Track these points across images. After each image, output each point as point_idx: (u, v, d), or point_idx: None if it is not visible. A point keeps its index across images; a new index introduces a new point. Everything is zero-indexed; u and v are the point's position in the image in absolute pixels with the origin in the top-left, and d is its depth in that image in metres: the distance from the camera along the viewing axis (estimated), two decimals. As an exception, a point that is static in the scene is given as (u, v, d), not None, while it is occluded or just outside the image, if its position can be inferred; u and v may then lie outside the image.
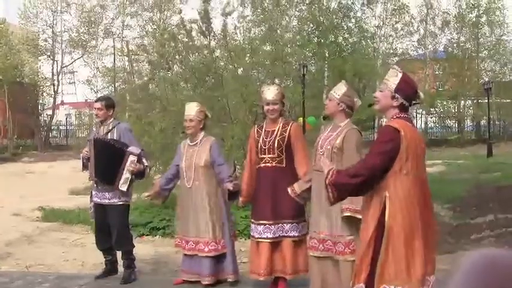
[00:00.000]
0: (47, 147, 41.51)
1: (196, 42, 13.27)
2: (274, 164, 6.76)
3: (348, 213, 5.52)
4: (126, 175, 7.41)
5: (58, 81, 46.59)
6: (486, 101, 34.52)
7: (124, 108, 15.14)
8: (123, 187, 7.44)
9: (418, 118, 41.94)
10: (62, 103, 52.32)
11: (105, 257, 7.88)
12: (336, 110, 5.98)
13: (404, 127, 4.48)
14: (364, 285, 4.42)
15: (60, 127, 48.80)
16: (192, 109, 7.41)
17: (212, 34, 13.04)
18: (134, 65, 36.00)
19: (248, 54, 13.78)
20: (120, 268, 7.82)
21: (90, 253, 9.44)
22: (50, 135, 46.65)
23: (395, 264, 4.36)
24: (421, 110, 40.93)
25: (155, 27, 35.50)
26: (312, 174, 6.07)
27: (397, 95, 4.59)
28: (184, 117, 7.42)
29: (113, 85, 39.97)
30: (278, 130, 6.80)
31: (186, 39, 13.18)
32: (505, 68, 41.42)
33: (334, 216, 5.72)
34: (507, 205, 12.50)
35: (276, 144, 6.74)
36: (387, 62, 39.69)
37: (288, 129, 6.78)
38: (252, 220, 6.91)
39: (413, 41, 40.46)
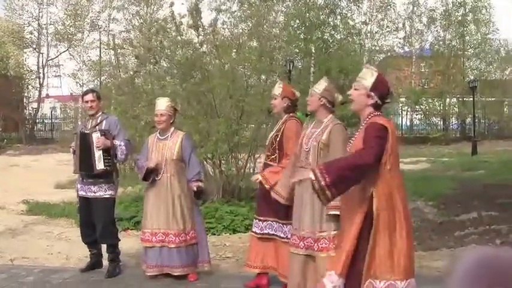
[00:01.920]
0: (32, 141, 41.26)
1: (184, 37, 13.23)
2: (268, 162, 6.80)
3: (333, 212, 5.50)
4: (96, 153, 7.45)
5: (43, 74, 46.34)
6: (471, 99, 34.72)
7: (110, 101, 15.10)
8: (100, 165, 7.46)
9: (403, 115, 42.11)
10: (47, 96, 51.98)
11: (90, 251, 7.90)
12: (317, 106, 5.97)
13: (389, 124, 4.58)
14: (343, 277, 4.46)
15: (45, 120, 48.55)
16: (162, 104, 7.50)
17: (201, 29, 13.01)
18: (120, 59, 35.90)
19: (234, 50, 13.77)
20: (105, 262, 7.83)
21: (75, 247, 9.43)
22: (35, 129, 46.40)
23: (381, 259, 4.41)
24: (406, 107, 41.08)
25: (142, 21, 35.39)
26: (296, 171, 6.04)
27: (372, 94, 4.67)
28: (155, 112, 7.51)
29: (98, 79, 39.79)
30: (277, 127, 6.85)
31: (174, 33, 13.16)
32: (491, 66, 41.61)
33: (316, 213, 5.71)
34: (491, 203, 12.60)
35: (270, 142, 6.79)
36: (373, 58, 39.82)
37: (283, 126, 6.75)
38: (271, 219, 6.76)
39: (400, 38, 40.60)
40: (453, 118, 41.60)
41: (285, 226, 6.55)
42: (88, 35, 44.51)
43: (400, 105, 39.47)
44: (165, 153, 7.28)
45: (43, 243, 10.09)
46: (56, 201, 14.34)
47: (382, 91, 4.72)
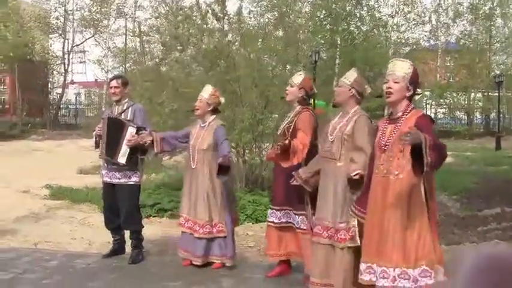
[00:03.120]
0: (56, 126, 41.62)
1: (210, 25, 13.25)
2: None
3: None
4: (124, 147, 7.42)
5: (69, 60, 46.61)
6: (496, 94, 34.44)
7: (135, 88, 15.15)
8: (122, 159, 7.44)
9: (427, 109, 41.86)
10: (72, 82, 52.30)
11: (113, 237, 7.90)
12: (346, 97, 5.94)
13: None
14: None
15: (70, 106, 48.90)
16: (206, 91, 7.45)
17: (226, 17, 13.02)
18: (146, 46, 35.97)
19: (260, 39, 13.76)
20: (128, 248, 7.83)
21: (98, 232, 9.47)
22: (59, 114, 46.73)
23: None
24: (430, 100, 40.80)
25: (168, 8, 35.43)
26: (320, 161, 6.06)
27: (410, 87, 4.83)
28: (198, 97, 7.47)
29: (123, 65, 39.94)
30: (289, 118, 6.82)
31: (200, 22, 13.17)
32: (517, 61, 41.24)
33: (338, 203, 5.71)
34: (514, 199, 12.52)
35: (282, 133, 6.75)
36: (398, 51, 39.57)
37: (297, 118, 6.70)
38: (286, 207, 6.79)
39: (425, 32, 40.32)
40: (477, 113, 41.31)
41: (297, 216, 6.60)
42: (114, 22, 44.75)
43: (425, 98, 39.20)
44: (198, 142, 7.28)
45: (66, 228, 10.14)
46: (79, 187, 14.39)
47: (417, 84, 4.91)
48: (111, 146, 7.53)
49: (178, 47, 13.60)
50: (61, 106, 47.14)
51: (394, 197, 4.68)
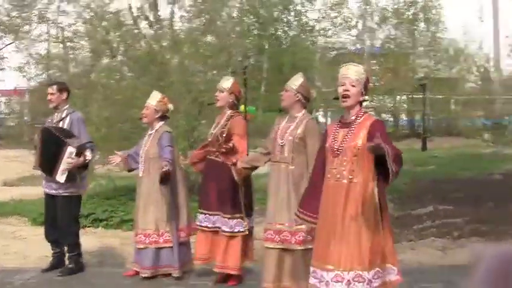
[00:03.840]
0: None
1: (142, 30, 13.13)
2: (213, 157, 6.78)
3: None
4: (63, 167, 7.21)
5: (-12, 67, 45.19)
6: (420, 96, 35.16)
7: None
8: (61, 179, 7.24)
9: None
10: (-12, 90, 50.60)
11: (52, 249, 7.67)
12: (292, 101, 6.05)
13: None
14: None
15: (-11, 116, 47.44)
16: (153, 98, 7.36)
17: (159, 23, 12.92)
18: (70, 52, 35.30)
19: (187, 45, 13.70)
20: (68, 261, 7.60)
21: (32, 246, 9.24)
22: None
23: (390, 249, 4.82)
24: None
25: (92, 14, 34.87)
26: (271, 166, 6.11)
27: (363, 92, 4.87)
28: (145, 105, 7.35)
29: (46, 73, 39.08)
30: (221, 123, 6.81)
31: (132, 27, 13.03)
32: (440, 64, 42.19)
33: (293, 206, 5.71)
34: (444, 197, 12.86)
35: (215, 138, 6.77)
36: (326, 55, 40.03)
37: (229, 122, 6.76)
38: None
39: (352, 36, 40.83)
40: (403, 115, 42.09)
41: (231, 220, 6.63)
42: (36, 27, 43.57)
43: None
44: (145, 151, 7.16)
45: (-3, 243, 9.79)
46: (5, 199, 13.93)
47: (367, 90, 4.93)
48: (47, 161, 7.34)
49: (109, 53, 13.42)
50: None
51: (348, 201, 4.68)
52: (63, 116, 7.48)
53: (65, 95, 7.60)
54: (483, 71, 27.11)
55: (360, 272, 4.58)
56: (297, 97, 6.05)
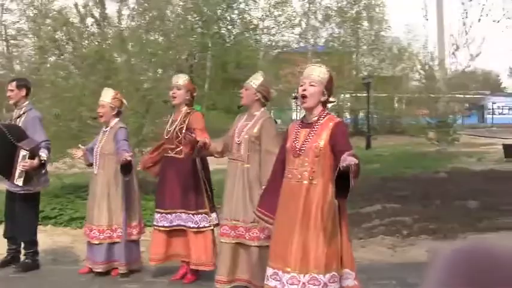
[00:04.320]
0: None
1: (89, 29, 13.02)
2: (172, 154, 6.78)
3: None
4: (18, 170, 7.16)
5: None
6: (364, 95, 35.57)
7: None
8: (19, 182, 7.20)
9: (297, 110, 42.70)
10: None
11: (8, 246, 7.61)
12: (252, 100, 6.08)
13: None
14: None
15: None
16: (107, 95, 7.31)
17: (106, 21, 12.81)
18: (14, 50, 34.62)
19: (132, 43, 13.64)
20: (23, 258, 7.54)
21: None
22: None
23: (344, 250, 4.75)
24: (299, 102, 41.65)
25: (36, 11, 34.32)
26: (228, 164, 6.18)
27: (325, 92, 4.79)
28: (99, 103, 7.31)
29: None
30: (179, 120, 6.81)
31: (79, 25, 12.91)
32: (383, 63, 42.79)
33: (249, 204, 5.83)
34: (391, 195, 13.02)
35: (174, 135, 6.75)
36: (269, 53, 40.23)
37: (188, 119, 6.78)
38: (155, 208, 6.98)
39: (296, 34, 41.09)
40: (347, 113, 42.52)
41: (195, 216, 6.66)
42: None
43: (294, 100, 39.96)
44: (100, 147, 7.15)
45: None
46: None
47: (331, 90, 4.89)
48: (4, 164, 7.25)
49: (56, 51, 13.27)
50: None
51: (307, 202, 4.65)
52: (21, 113, 7.44)
53: (23, 92, 7.55)
54: (428, 69, 27.45)
55: (316, 275, 4.56)
56: (257, 96, 6.08)
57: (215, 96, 34.14)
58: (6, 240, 7.66)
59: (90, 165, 7.53)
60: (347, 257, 4.72)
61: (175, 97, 6.84)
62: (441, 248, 1.53)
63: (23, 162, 7.12)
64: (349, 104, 40.93)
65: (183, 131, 6.66)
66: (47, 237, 9.87)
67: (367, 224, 10.57)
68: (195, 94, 7.12)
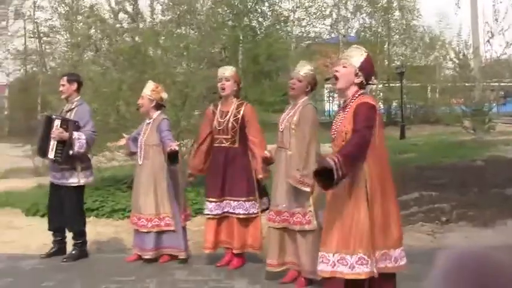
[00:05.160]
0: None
1: (123, 24, 13.24)
2: (227, 145, 6.92)
3: (306, 189, 5.80)
4: (51, 142, 7.37)
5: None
6: (397, 84, 35.33)
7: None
8: (51, 154, 7.39)
9: (330, 101, 42.68)
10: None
11: (54, 237, 7.78)
12: (303, 90, 6.20)
13: (375, 102, 4.77)
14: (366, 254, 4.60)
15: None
16: (147, 88, 7.53)
17: (140, 16, 13.03)
18: (47, 47, 35.05)
19: (163, 37, 13.81)
20: (69, 249, 7.72)
21: (29, 235, 9.42)
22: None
23: (379, 230, 4.63)
24: (332, 93, 41.58)
25: (67, 8, 34.65)
26: (274, 151, 6.33)
27: (359, 73, 4.79)
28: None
29: (24, 68, 38.89)
30: (232, 111, 6.95)
31: (113, 21, 13.14)
32: (416, 52, 42.45)
33: (291, 190, 5.96)
34: (428, 184, 12.98)
35: (230, 125, 6.89)
36: (300, 45, 40.17)
37: (242, 109, 6.94)
38: (208, 198, 7.09)
39: (327, 25, 40.97)
40: (380, 103, 42.31)
41: (246, 203, 6.84)
42: (12, 23, 43.28)
43: (327, 91, 39.95)
44: (144, 139, 7.33)
45: (-6, 233, 9.84)
46: (-4, 191, 14.04)
47: (368, 71, 4.86)
48: (43, 142, 7.49)
49: (93, 48, 13.52)
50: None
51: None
52: (72, 107, 7.61)
53: (74, 86, 7.69)
54: (462, 57, 27.12)
55: (344, 255, 4.62)
56: (307, 88, 6.22)
57: (247, 89, 34.26)
58: (51, 231, 7.83)
59: (131, 154, 7.80)
60: (394, 236, 4.71)
61: (224, 88, 6.95)
62: (449, 251, 1.58)
63: (54, 130, 7.34)
64: (381, 94, 40.67)
65: (239, 121, 6.86)
66: (90, 228, 10.05)
67: (405, 211, 10.56)
68: (241, 85, 7.27)
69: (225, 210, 6.91)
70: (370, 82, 4.97)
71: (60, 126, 7.34)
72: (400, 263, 4.74)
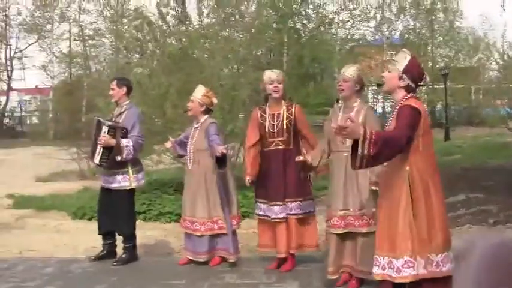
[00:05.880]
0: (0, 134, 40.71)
1: (171, 28, 13.33)
2: (283, 147, 6.98)
3: (374, 187, 5.76)
4: (98, 146, 7.46)
5: (12, 66, 45.71)
6: (440, 86, 35.02)
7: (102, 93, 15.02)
8: (96, 159, 7.51)
9: (375, 103, 42.39)
10: (11, 89, 51.10)
11: (103, 241, 7.88)
12: (352, 91, 6.23)
13: (420, 105, 4.76)
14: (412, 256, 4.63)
15: (14, 113, 48.00)
16: (198, 92, 7.56)
17: (188, 19, 13.11)
18: (92, 50, 35.45)
19: (208, 41, 13.86)
20: (122, 252, 7.82)
21: (77, 238, 9.49)
22: (3, 122, 45.79)
23: (420, 235, 4.64)
24: (378, 95, 41.34)
25: (112, 11, 35.08)
26: (333, 156, 6.31)
27: (404, 76, 4.84)
28: (190, 98, 7.57)
29: (69, 70, 39.36)
30: (283, 113, 6.99)
31: (161, 24, 13.24)
32: (460, 54, 42.10)
33: (355, 192, 6.03)
34: (474, 185, 12.90)
35: (284, 127, 6.96)
36: (345, 47, 40.00)
37: (293, 111, 7.00)
38: (262, 200, 7.14)
39: (371, 27, 40.80)
40: (424, 105, 41.92)
41: (303, 202, 6.97)
42: (58, 27, 43.93)
43: (372, 93, 39.72)
44: (194, 143, 7.39)
45: (43, 236, 9.95)
46: (41, 194, 14.22)
47: (414, 74, 4.87)
48: (93, 146, 7.63)
49: (139, 50, 13.64)
50: (6, 114, 46.16)
51: (382, 186, 4.88)
52: (122, 110, 7.69)
53: (124, 90, 7.78)
54: (506, 59, 26.86)
55: (391, 258, 4.70)
56: (356, 87, 6.24)
57: (292, 92, 34.18)
58: (100, 235, 7.92)
59: (179, 156, 7.91)
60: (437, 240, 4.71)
61: (277, 91, 7.00)
62: (478, 241, 1.59)
63: (102, 136, 7.42)
64: (426, 95, 40.31)
65: (292, 123, 6.95)
66: (138, 231, 10.15)
67: (452, 214, 10.51)
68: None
69: (281, 215, 6.95)
70: (420, 84, 4.99)
71: (108, 133, 7.41)
72: (443, 268, 4.71)
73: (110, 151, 7.43)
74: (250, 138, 7.26)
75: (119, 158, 7.42)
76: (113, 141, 7.37)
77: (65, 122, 25.59)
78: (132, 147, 7.44)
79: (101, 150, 7.46)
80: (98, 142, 7.44)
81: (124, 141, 7.39)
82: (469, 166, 16.69)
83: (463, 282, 1.55)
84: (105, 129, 7.45)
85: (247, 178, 7.14)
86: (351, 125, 4.41)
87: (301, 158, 6.36)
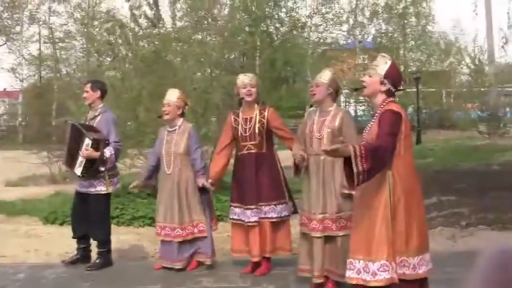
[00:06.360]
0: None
1: (143, 30, 13.27)
2: (256, 151, 6.95)
3: (348, 191, 5.70)
4: (80, 158, 7.34)
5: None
6: (412, 90, 35.31)
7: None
8: (78, 171, 7.38)
9: (347, 106, 42.58)
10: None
11: (78, 245, 7.77)
12: (325, 95, 6.22)
13: (400, 109, 4.75)
14: (388, 260, 4.59)
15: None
16: (172, 95, 7.47)
17: (161, 22, 13.06)
18: (63, 53, 35.15)
19: (180, 43, 13.83)
20: (96, 257, 7.69)
21: (49, 243, 9.36)
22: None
23: (400, 238, 4.61)
24: (349, 98, 41.55)
25: (83, 13, 34.81)
26: (309, 159, 6.25)
27: (385, 81, 4.83)
28: (164, 102, 7.47)
29: (39, 73, 39.02)
30: (256, 116, 6.98)
31: (133, 26, 13.18)
32: (431, 58, 42.47)
33: (331, 196, 6.05)
34: (446, 188, 13.03)
35: (256, 131, 6.93)
36: (317, 51, 40.21)
37: (266, 114, 6.98)
38: (236, 204, 7.09)
39: (343, 31, 41.06)
40: (395, 108, 42.17)
41: (277, 206, 6.92)
42: (27, 28, 43.49)
43: (344, 97, 39.93)
44: (173, 147, 7.30)
45: (14, 242, 9.75)
46: (11, 199, 13.99)
47: (394, 78, 4.88)
48: (71, 155, 7.50)
49: (111, 54, 13.56)
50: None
51: (360, 190, 4.78)
52: (96, 114, 7.60)
53: (98, 93, 7.66)
54: (477, 63, 27.25)
55: (367, 262, 4.65)
56: (329, 90, 6.23)
57: (265, 95, 34.22)
58: (75, 239, 7.81)
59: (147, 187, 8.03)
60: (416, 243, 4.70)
61: (251, 94, 6.97)
62: (488, 248, 1.60)
63: (84, 150, 7.29)
64: (398, 99, 40.65)
65: (264, 126, 6.92)
66: (112, 235, 10.06)
67: (425, 216, 10.61)
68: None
69: (253, 218, 6.91)
70: (399, 88, 4.98)
71: (91, 146, 7.29)
72: (419, 271, 4.69)
73: (92, 162, 7.33)
74: (221, 142, 7.27)
75: (102, 168, 7.36)
76: (96, 154, 7.28)
77: (35, 126, 25.35)
78: (114, 156, 7.41)
79: (83, 162, 7.33)
80: (81, 155, 7.32)
81: (107, 153, 7.32)
82: (441, 169, 16.85)
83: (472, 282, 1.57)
84: (88, 141, 7.30)
85: (209, 181, 7.13)
86: (339, 146, 4.48)
87: (300, 154, 6.30)
